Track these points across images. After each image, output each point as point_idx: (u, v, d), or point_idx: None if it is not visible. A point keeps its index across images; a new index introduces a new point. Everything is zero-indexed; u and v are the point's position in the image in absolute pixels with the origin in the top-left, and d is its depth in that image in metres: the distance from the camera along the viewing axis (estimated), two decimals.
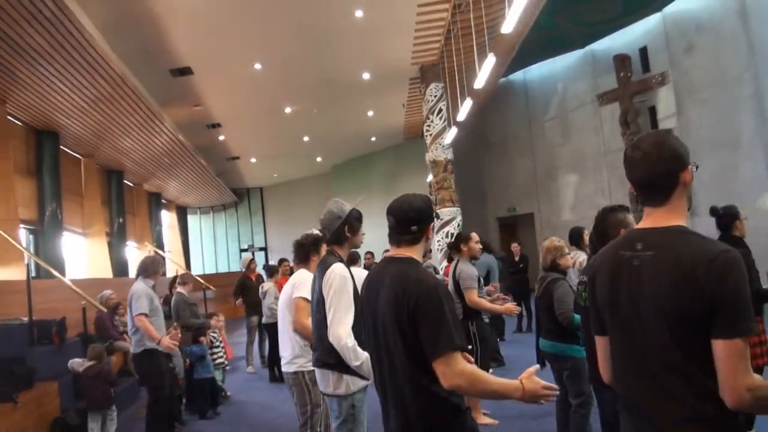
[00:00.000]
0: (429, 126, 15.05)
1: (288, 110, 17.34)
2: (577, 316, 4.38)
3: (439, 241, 14.72)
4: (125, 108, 12.39)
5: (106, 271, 14.93)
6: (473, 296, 5.81)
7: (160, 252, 18.42)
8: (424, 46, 13.62)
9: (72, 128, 12.89)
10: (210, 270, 26.13)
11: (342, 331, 3.31)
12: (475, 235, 6.35)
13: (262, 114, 17.41)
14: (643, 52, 15.81)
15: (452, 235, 14.47)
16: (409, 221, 2.48)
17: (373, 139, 21.85)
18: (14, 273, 9.52)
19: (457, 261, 6.26)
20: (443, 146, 14.79)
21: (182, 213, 25.97)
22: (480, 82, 10.33)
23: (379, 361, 2.44)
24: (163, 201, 22.81)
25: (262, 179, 27.12)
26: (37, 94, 10.72)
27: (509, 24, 8.05)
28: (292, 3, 10.99)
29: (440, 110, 14.74)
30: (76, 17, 8.60)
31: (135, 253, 18.12)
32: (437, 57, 14.30)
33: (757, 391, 1.57)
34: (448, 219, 14.71)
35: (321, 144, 21.89)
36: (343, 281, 3.47)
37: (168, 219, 23.92)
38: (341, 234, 3.67)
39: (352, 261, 9.28)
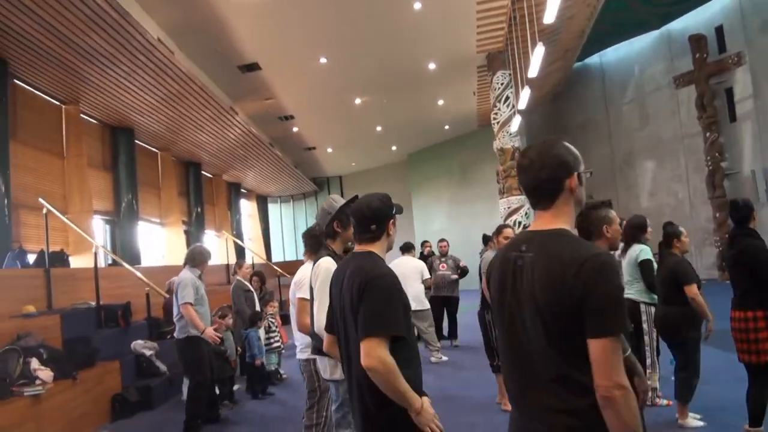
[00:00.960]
0: (496, 114, 14.96)
1: (358, 101, 17.67)
2: None
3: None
4: (195, 104, 12.98)
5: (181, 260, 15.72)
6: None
7: (238, 241, 19.18)
8: (488, 34, 13.53)
9: (145, 124, 13.63)
10: (290, 257, 26.90)
11: (324, 319, 3.53)
12: (507, 231, 6.40)
13: (333, 105, 17.76)
14: (719, 31, 15.13)
15: (520, 223, 14.44)
16: (368, 221, 2.73)
17: (447, 127, 21.85)
18: (89, 261, 10.26)
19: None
20: (510, 134, 14.68)
21: (263, 202, 26.79)
22: (533, 71, 10.25)
23: (344, 346, 2.68)
24: (242, 191, 23.61)
25: (342, 168, 27.59)
26: (108, 95, 11.41)
27: (550, 14, 8.01)
28: None
29: (507, 98, 14.61)
30: (138, 22, 9.13)
31: (214, 241, 18.98)
32: (502, 44, 14.17)
33: (629, 393, 1.64)
34: (516, 207, 14.63)
35: (394, 133, 22.10)
36: (328, 273, 3.66)
37: (248, 208, 24.77)
38: (332, 229, 3.86)
39: (405, 249, 9.54)
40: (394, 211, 2.91)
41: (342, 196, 23.06)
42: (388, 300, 2.44)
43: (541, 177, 1.91)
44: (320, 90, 16.20)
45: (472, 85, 17.09)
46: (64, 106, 11.45)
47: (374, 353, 2.32)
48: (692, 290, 4.95)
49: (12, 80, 9.80)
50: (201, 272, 6.36)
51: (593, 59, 19.90)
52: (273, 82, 15.13)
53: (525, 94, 12.04)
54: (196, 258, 6.39)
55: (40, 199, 8.50)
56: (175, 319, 6.32)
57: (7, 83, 9.27)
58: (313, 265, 3.80)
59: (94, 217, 11.87)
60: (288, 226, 28.09)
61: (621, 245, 5.60)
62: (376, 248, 2.76)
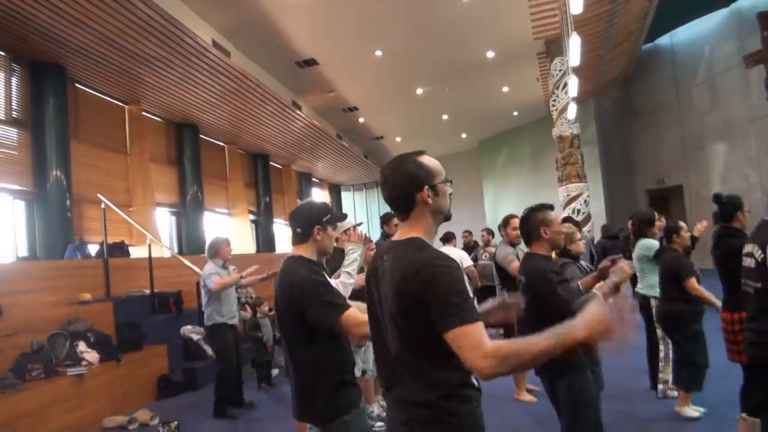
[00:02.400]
0: (554, 101, 14.82)
1: (419, 91, 17.86)
2: None
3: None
4: (253, 100, 13.56)
5: (249, 247, 16.55)
6: (516, 265, 5.92)
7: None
8: (543, 21, 13.40)
9: (208, 120, 14.34)
10: None
11: None
12: (514, 221, 6.53)
13: (394, 96, 18.03)
14: None
15: (579, 211, 14.29)
16: (294, 222, 3.06)
17: (515, 113, 21.66)
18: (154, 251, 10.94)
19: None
20: (569, 121, 14.50)
21: (336, 191, 27.45)
22: (574, 59, 10.15)
23: (282, 337, 3.04)
24: (314, 180, 24.29)
25: None
26: (167, 94, 12.12)
27: (577, 5, 7.96)
28: None
29: (565, 84, 14.42)
30: (186, 27, 9.69)
31: (283, 230, 19.71)
32: (559, 30, 13.99)
33: (499, 352, 1.76)
34: (575, 195, 14.46)
35: (461, 121, 22.14)
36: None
37: (320, 197, 25.43)
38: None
39: (446, 240, 9.74)
40: (326, 219, 3.15)
41: None
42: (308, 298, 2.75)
43: (394, 193, 2.09)
44: (379, 82, 16.50)
45: (535, 72, 16.92)
46: (126, 106, 12.27)
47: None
48: (691, 284, 4.95)
49: (73, 84, 10.58)
50: (224, 261, 6.74)
51: (664, 40, 19.22)
52: (332, 76, 15.55)
53: (573, 82, 11.86)
54: (211, 249, 6.75)
55: (99, 195, 9.25)
56: (203, 307, 6.75)
57: (65, 88, 10.01)
58: None
59: (159, 209, 12.70)
60: (361, 214, 28.59)
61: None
62: (302, 251, 3.04)
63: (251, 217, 17.80)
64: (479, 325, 1.84)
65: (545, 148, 21.41)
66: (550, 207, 3.81)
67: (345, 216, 3.45)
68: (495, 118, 22.06)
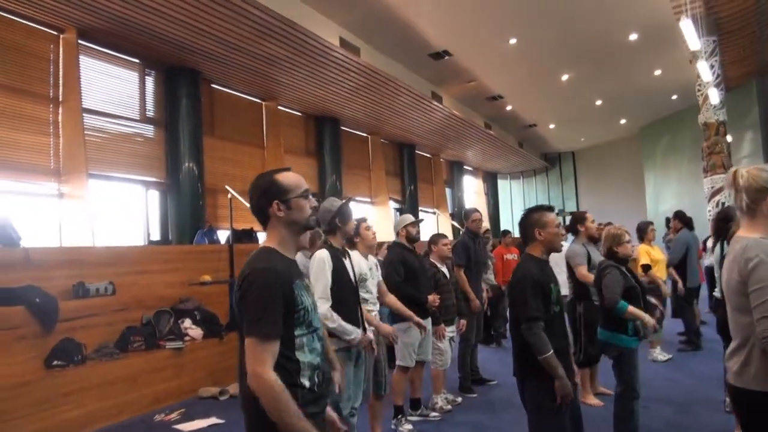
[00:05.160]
0: (700, 85, 13.72)
1: (564, 77, 17.35)
2: (625, 304, 4.44)
3: (709, 210, 13.53)
4: (388, 93, 14.02)
5: (390, 235, 17.06)
6: (583, 271, 5.81)
7: (445, 216, 20.08)
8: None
9: (347, 113, 15.01)
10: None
11: (318, 304, 4.15)
12: (590, 216, 6.35)
13: (538, 83, 17.66)
14: None
15: (723, 204, 13.17)
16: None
17: (674, 97, 20.22)
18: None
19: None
20: (714, 107, 13.36)
21: (491, 179, 27.30)
22: (693, 44, 9.40)
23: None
24: (466, 168, 24.36)
25: (571, 143, 27.00)
26: (301, 91, 12.89)
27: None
28: None
29: (711, 66, 13.29)
30: (306, 29, 10.26)
31: (429, 218, 20.11)
32: (702, 9, 12.88)
33: (264, 385, 2.04)
34: (720, 187, 13.35)
35: (617, 106, 21.13)
36: (322, 263, 4.28)
37: (474, 185, 25.47)
38: (335, 224, 4.46)
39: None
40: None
41: (574, 172, 22.72)
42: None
43: (252, 207, 2.37)
44: (520, 69, 16.23)
45: (686, 53, 15.70)
46: (264, 103, 13.22)
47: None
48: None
49: (208, 85, 11.63)
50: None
51: None
52: (469, 65, 15.58)
53: (702, 66, 10.95)
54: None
55: (226, 186, 10.18)
56: None
57: (198, 88, 11.01)
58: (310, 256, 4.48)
59: None
60: (518, 203, 28.21)
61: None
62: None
63: (395, 205, 18.35)
64: (266, 343, 2.08)
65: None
66: (549, 208, 3.80)
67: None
68: (653, 103, 20.75)
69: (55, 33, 8.76)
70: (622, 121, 23.48)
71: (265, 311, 2.12)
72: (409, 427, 5.54)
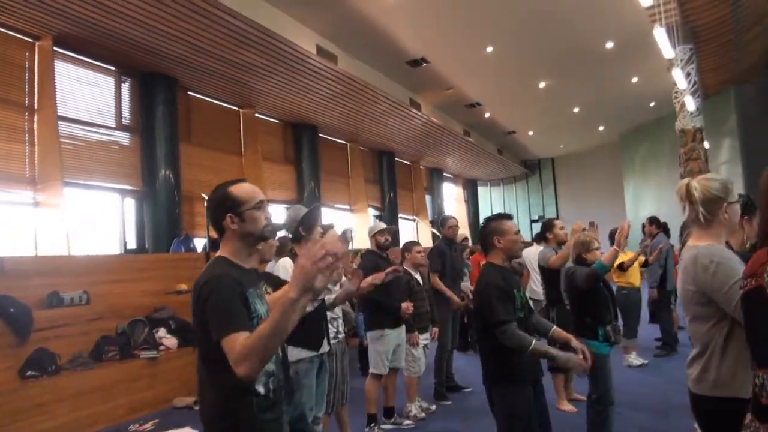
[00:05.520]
0: (676, 92, 13.90)
1: (542, 85, 17.54)
2: (600, 261, 4.51)
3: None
4: (365, 101, 14.04)
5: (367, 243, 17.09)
6: (554, 258, 5.89)
7: (424, 223, 20.18)
8: (659, 7, 12.68)
9: (325, 120, 15.00)
10: None
11: None
12: (558, 222, 6.44)
13: (516, 90, 17.86)
14: None
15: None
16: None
17: (652, 104, 20.48)
18: None
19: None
20: (691, 113, 13.55)
21: (471, 186, 27.42)
22: (668, 52, 9.58)
23: None
24: (446, 175, 24.45)
25: (551, 150, 27.26)
26: (278, 98, 12.88)
27: None
28: None
29: (688, 74, 13.47)
30: (283, 36, 10.28)
31: (408, 225, 20.18)
32: (680, 17, 13.09)
33: (241, 353, 2.00)
34: None
35: (595, 114, 21.41)
36: (286, 273, 4.31)
37: (454, 192, 25.58)
38: (298, 233, 4.49)
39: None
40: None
41: (554, 178, 22.88)
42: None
43: (211, 219, 2.42)
44: (497, 77, 16.42)
45: (664, 61, 15.94)
46: (241, 110, 13.19)
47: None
48: None
49: (185, 92, 11.58)
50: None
51: None
52: (446, 73, 15.73)
53: (677, 74, 11.15)
54: None
55: (203, 194, 10.17)
56: None
57: (175, 95, 10.97)
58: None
59: (274, 205, 13.68)
60: (498, 210, 28.28)
61: None
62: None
63: (374, 212, 18.40)
64: (238, 334, 2.08)
65: None
66: (508, 216, 3.83)
67: None
68: (631, 110, 21.01)
69: (30, 40, 8.70)
70: (601, 128, 23.75)
71: (233, 309, 2.16)
72: None
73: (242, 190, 2.43)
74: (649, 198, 22.72)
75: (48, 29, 8.57)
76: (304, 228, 4.42)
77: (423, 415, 6.20)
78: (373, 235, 5.94)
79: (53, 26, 8.49)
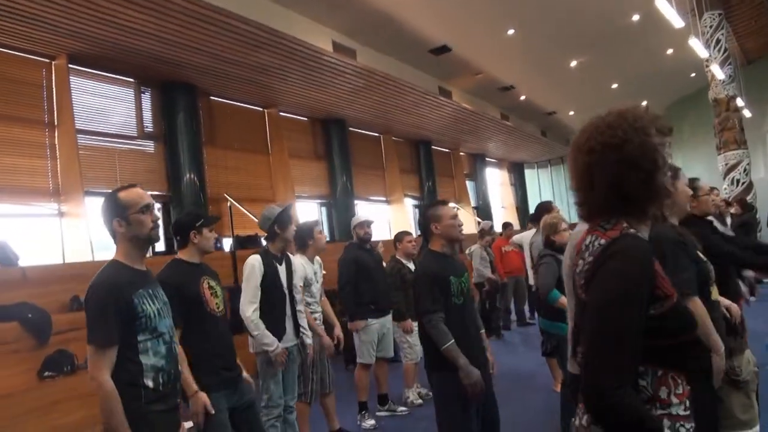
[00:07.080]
0: (707, 60, 13.46)
1: (573, 63, 17.25)
2: (557, 293, 4.55)
3: (725, 188, 13.30)
4: (390, 92, 14.09)
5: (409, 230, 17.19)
6: None
7: (465, 210, 20.11)
8: None
9: (351, 115, 15.14)
10: None
11: (245, 307, 4.39)
12: (555, 207, 6.44)
13: (547, 70, 17.60)
14: None
15: (738, 181, 12.95)
16: (174, 233, 3.70)
17: (693, 75, 19.82)
18: None
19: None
20: (723, 82, 13.11)
21: (518, 169, 27.08)
22: (677, 22, 9.31)
23: None
24: (489, 160, 24.26)
25: None
26: (300, 96, 13.06)
27: None
28: None
29: (717, 41, 13.05)
30: (293, 36, 10.45)
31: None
32: None
33: (101, 388, 2.36)
34: (734, 163, 13.13)
35: (635, 88, 20.72)
36: (252, 269, 4.51)
37: (499, 177, 25.35)
38: (273, 231, 4.67)
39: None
40: (199, 223, 3.69)
41: None
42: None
43: (105, 225, 2.73)
44: (524, 58, 16.24)
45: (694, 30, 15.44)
46: (265, 110, 13.45)
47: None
48: None
49: (206, 97, 11.88)
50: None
51: None
52: (471, 58, 15.65)
53: (695, 43, 10.79)
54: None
55: (225, 194, 10.53)
56: None
57: (196, 101, 11.25)
58: None
59: (305, 201, 14.00)
60: (547, 192, 27.91)
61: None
62: (183, 255, 3.65)
63: (413, 202, 18.47)
64: (102, 350, 2.37)
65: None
66: (443, 202, 3.93)
67: (217, 219, 3.93)
68: (672, 82, 20.45)
69: (46, 60, 9.14)
70: (644, 103, 22.99)
71: (99, 321, 2.38)
72: (372, 422, 5.72)
73: (129, 194, 2.63)
74: (700, 169, 21.95)
75: (63, 49, 8.96)
76: (279, 226, 4.61)
77: (420, 401, 6.32)
78: (354, 228, 6.09)
79: (68, 46, 8.88)
